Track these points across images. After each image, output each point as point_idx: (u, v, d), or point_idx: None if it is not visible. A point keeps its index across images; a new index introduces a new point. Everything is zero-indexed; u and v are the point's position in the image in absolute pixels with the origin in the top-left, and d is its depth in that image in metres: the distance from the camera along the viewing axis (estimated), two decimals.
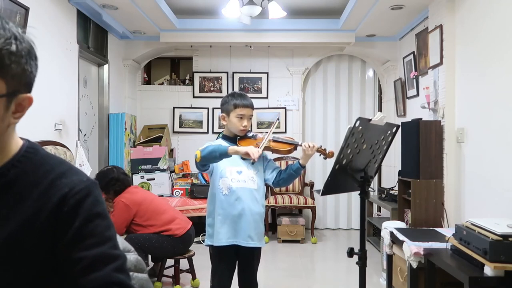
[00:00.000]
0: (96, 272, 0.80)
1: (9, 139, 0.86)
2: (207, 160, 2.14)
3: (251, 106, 2.29)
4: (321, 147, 2.23)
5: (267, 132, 2.28)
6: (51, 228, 0.82)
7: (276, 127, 5.58)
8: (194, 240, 3.46)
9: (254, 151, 2.02)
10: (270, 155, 2.45)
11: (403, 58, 4.89)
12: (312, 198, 5.27)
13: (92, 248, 0.82)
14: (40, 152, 0.90)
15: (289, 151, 2.27)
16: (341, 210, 5.91)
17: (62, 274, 0.82)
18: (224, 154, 2.07)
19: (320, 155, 2.23)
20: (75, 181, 0.86)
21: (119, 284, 0.82)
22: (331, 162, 2.07)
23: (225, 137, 2.34)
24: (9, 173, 0.84)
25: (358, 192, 2.11)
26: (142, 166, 5.03)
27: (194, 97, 5.83)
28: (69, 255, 0.81)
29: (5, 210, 0.82)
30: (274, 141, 2.28)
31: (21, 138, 0.91)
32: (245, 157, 2.08)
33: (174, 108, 5.81)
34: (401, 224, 3.33)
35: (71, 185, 0.85)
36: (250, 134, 2.31)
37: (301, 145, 2.20)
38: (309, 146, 2.16)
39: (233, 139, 2.29)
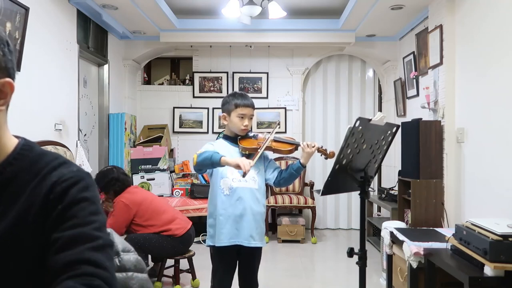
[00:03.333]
0: (69, 250, 0.75)
1: (2, 134, 0.85)
2: (202, 167, 2.18)
3: (252, 106, 2.29)
4: (322, 147, 2.23)
5: (268, 132, 2.28)
6: (41, 218, 0.81)
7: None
8: (194, 240, 3.46)
9: (246, 163, 2.00)
10: (271, 155, 2.45)
11: (403, 58, 4.89)
12: (312, 198, 5.27)
13: (71, 229, 0.78)
14: (35, 149, 0.89)
15: (290, 151, 2.27)
16: (341, 210, 5.91)
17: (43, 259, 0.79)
18: (217, 164, 2.09)
19: (321, 155, 2.23)
20: (64, 172, 0.85)
21: (92, 262, 0.75)
22: (331, 162, 2.07)
23: (226, 137, 2.34)
24: (6, 171, 0.84)
25: (358, 192, 2.11)
26: (142, 166, 5.04)
27: (194, 97, 5.83)
28: (48, 237, 0.79)
29: (2, 207, 0.82)
30: (275, 141, 2.28)
31: (16, 137, 0.90)
32: (236, 169, 2.06)
33: (174, 108, 5.81)
34: (401, 224, 3.33)
35: (60, 175, 0.84)
36: (251, 134, 2.31)
37: (301, 145, 2.20)
38: (309, 146, 2.17)
39: (234, 139, 2.29)
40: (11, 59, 0.85)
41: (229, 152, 2.23)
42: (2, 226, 0.81)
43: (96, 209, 0.83)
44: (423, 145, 3.52)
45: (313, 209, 5.14)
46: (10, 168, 0.84)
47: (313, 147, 2.18)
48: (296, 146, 2.26)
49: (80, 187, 0.83)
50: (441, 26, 3.61)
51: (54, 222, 0.80)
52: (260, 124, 5.67)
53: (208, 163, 2.11)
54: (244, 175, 2.01)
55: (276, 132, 2.33)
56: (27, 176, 0.85)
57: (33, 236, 0.81)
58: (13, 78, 0.85)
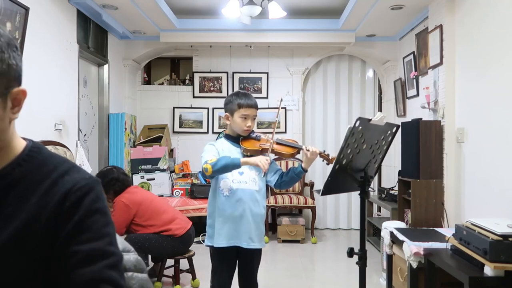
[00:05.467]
0: (88, 266, 0.80)
1: (13, 137, 0.87)
2: (219, 174, 2.16)
3: (255, 106, 2.28)
4: (324, 152, 2.22)
5: (270, 133, 2.27)
6: (54, 224, 0.83)
7: (277, 127, 5.58)
8: (194, 240, 3.46)
9: (265, 163, 2.05)
10: (272, 156, 2.44)
11: (403, 58, 4.89)
12: (312, 198, 5.27)
13: (87, 243, 0.82)
14: (43, 151, 0.91)
15: (292, 155, 2.25)
16: (341, 210, 5.91)
17: (56, 267, 0.82)
18: (237, 167, 2.11)
19: (323, 160, 2.21)
20: (77, 179, 0.87)
21: (110, 281, 0.81)
22: (331, 165, 2.07)
23: (228, 137, 2.33)
24: (15, 172, 0.86)
25: (358, 192, 2.11)
26: (142, 166, 5.03)
27: (194, 97, 5.83)
28: (64, 248, 0.82)
29: (11, 208, 0.83)
30: (278, 143, 2.26)
31: (24, 138, 0.92)
32: (257, 167, 2.11)
33: (174, 108, 5.81)
34: (401, 224, 3.33)
35: (74, 182, 0.86)
36: (254, 135, 2.30)
37: (303, 150, 2.19)
38: (311, 151, 2.15)
39: (236, 138, 2.28)
40: (21, 65, 0.87)
41: (230, 152, 2.23)
42: (13, 226, 0.82)
43: (107, 220, 0.88)
44: (423, 145, 3.52)
45: (313, 209, 5.14)
46: (19, 169, 0.86)
47: (315, 153, 2.17)
48: (298, 150, 2.24)
49: (94, 197, 0.86)
50: (441, 26, 3.61)
51: (70, 232, 0.83)
52: (260, 124, 5.67)
53: (229, 169, 2.12)
54: (264, 174, 2.13)
55: (278, 133, 2.32)
56: (36, 177, 0.86)
57: (43, 237, 0.82)
58: (21, 83, 0.88)
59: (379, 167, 2.20)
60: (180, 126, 5.82)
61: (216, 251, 2.24)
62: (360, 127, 1.89)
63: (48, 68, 3.53)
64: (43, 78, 3.45)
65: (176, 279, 3.37)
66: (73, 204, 0.84)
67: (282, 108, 5.70)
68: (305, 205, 5.14)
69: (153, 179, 5.03)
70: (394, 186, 4.46)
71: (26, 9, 3.07)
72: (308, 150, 2.16)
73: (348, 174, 2.04)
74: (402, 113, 4.98)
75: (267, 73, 5.78)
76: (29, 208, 0.83)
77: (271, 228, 5.47)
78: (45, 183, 0.85)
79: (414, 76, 4.46)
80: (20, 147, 0.89)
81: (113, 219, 2.99)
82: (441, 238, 2.66)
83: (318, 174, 5.85)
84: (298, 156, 2.34)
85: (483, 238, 2.06)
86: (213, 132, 5.78)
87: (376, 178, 5.52)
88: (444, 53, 3.58)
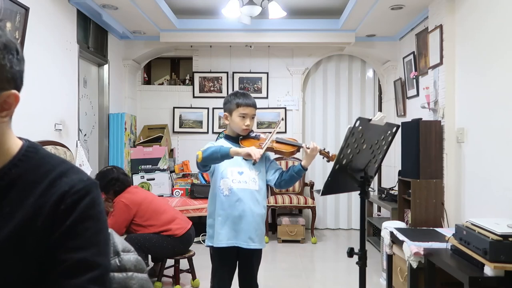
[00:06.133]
0: (72, 278, 0.81)
1: (6, 139, 0.86)
2: (208, 161, 2.14)
3: (253, 106, 2.28)
4: (324, 149, 2.22)
5: (270, 133, 2.27)
6: (49, 225, 0.83)
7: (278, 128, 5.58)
8: (194, 240, 3.46)
9: (256, 152, 2.00)
10: (272, 156, 2.44)
11: (403, 58, 4.89)
12: (312, 198, 5.27)
13: (75, 251, 0.82)
14: (40, 151, 0.90)
15: (292, 153, 2.25)
16: (341, 210, 5.91)
17: (45, 268, 0.82)
18: (226, 156, 2.06)
19: (323, 157, 2.22)
20: (75, 180, 0.86)
21: None
22: (331, 162, 2.07)
23: (228, 137, 2.33)
24: (11, 172, 0.85)
25: (358, 192, 2.11)
26: (142, 166, 5.04)
27: (194, 97, 5.83)
28: (54, 252, 0.82)
29: (8, 208, 0.83)
30: (277, 142, 2.26)
31: (20, 138, 0.91)
32: (247, 158, 2.06)
33: (174, 108, 5.81)
34: (401, 224, 3.34)
35: (71, 184, 0.85)
36: (253, 134, 2.30)
37: (303, 147, 2.19)
38: (311, 148, 2.15)
39: (236, 138, 2.28)
40: (20, 69, 0.85)
41: None
42: (11, 226, 0.82)
43: (100, 227, 0.87)
44: (423, 145, 3.52)
45: (313, 209, 5.14)
46: (16, 169, 0.85)
47: (315, 149, 2.17)
48: (298, 148, 2.24)
49: (89, 202, 0.85)
50: (441, 26, 3.61)
51: (61, 236, 0.82)
52: (260, 124, 5.67)
53: (217, 157, 2.08)
54: (254, 163, 2.02)
55: (278, 132, 2.32)
56: (33, 177, 0.85)
57: (41, 238, 0.82)
58: (19, 88, 0.85)
59: (379, 167, 2.20)
60: (180, 126, 5.82)
61: (216, 251, 2.24)
62: (360, 127, 1.89)
63: (48, 68, 3.53)
64: (43, 78, 3.45)
65: (176, 279, 3.37)
66: (68, 207, 0.83)
67: (282, 108, 5.71)
68: (305, 205, 5.14)
69: (153, 179, 5.03)
70: (394, 186, 4.46)
71: (26, 9, 3.07)
72: (308, 148, 2.16)
73: (348, 174, 2.04)
74: (402, 113, 4.98)
75: (267, 73, 5.78)
76: (27, 208, 0.82)
77: (271, 228, 5.47)
78: (43, 184, 0.85)
79: (414, 76, 4.46)
80: (16, 148, 0.87)
81: (113, 219, 2.99)
82: (441, 238, 2.66)
83: (318, 174, 5.86)
84: (298, 155, 2.34)
85: (483, 238, 2.06)
86: (213, 132, 5.78)
87: (376, 178, 5.52)
88: (444, 53, 3.58)
